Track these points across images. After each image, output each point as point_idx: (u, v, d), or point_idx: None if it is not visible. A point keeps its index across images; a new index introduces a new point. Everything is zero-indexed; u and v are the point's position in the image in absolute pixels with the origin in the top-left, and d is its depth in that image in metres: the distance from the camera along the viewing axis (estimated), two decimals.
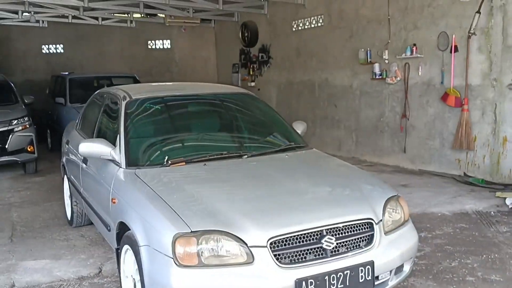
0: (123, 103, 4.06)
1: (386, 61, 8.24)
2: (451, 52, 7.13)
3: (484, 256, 4.30)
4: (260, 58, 11.71)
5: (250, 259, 2.65)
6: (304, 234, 2.77)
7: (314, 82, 10.03)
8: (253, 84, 11.96)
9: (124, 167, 3.54)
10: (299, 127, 4.43)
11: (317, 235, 2.79)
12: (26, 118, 8.49)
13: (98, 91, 5.18)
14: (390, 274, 3.04)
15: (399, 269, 3.12)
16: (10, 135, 8.15)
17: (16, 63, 13.38)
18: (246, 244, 2.67)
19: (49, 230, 5.36)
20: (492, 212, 5.57)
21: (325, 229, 2.82)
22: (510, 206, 5.68)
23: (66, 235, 5.18)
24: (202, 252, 2.65)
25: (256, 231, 2.70)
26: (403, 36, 7.94)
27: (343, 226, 2.88)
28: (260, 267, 2.64)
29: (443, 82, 7.32)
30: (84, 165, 4.32)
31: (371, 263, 2.84)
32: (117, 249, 3.44)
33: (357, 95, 9.01)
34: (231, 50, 13.17)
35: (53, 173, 8.56)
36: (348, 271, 2.76)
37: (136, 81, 10.61)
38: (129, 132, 3.80)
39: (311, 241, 2.78)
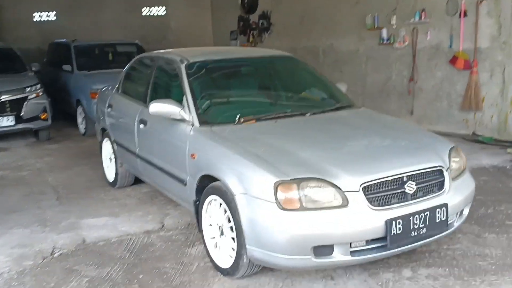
0: (183, 66, 4.23)
1: (394, 26, 8.52)
2: (460, 17, 7.44)
3: None
4: (260, 25, 11.84)
5: (345, 203, 2.94)
6: (389, 180, 3.07)
7: (318, 48, 10.27)
8: None
9: (198, 125, 3.76)
10: (343, 88, 4.69)
11: (399, 181, 3.10)
12: (38, 86, 8.51)
13: (140, 56, 5.32)
14: (455, 216, 3.39)
15: (461, 212, 3.48)
16: (25, 103, 8.19)
17: (7, 32, 13.15)
18: (340, 189, 2.95)
19: (93, 191, 5.54)
20: (507, 166, 6.00)
21: (406, 176, 3.13)
22: None
23: (113, 195, 5.38)
24: (302, 197, 2.92)
25: (349, 178, 2.99)
26: (411, 1, 8.21)
27: (419, 173, 3.19)
28: (354, 210, 2.94)
29: (452, 46, 7.66)
30: (142, 126, 4.50)
31: (446, 205, 3.17)
32: (196, 201, 3.68)
33: (363, 60, 9.29)
34: (228, 17, 13.23)
35: (66, 140, 8.71)
36: (428, 212, 3.09)
37: (139, 47, 10.62)
38: (195, 93, 3.99)
39: (395, 186, 3.08)
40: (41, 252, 3.96)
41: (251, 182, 3.08)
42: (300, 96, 4.50)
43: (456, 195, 3.31)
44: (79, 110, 9.28)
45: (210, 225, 3.55)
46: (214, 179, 3.41)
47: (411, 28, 8.25)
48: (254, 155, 3.20)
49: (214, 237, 3.53)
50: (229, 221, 3.30)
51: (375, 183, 3.02)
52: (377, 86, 9.11)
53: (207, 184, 3.52)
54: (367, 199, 2.98)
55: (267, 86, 4.52)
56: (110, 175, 5.66)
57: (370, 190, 3.01)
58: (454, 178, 3.39)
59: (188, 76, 4.14)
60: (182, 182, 3.85)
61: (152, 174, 4.49)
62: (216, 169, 3.37)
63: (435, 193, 3.22)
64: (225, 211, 3.31)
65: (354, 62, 9.49)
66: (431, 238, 3.19)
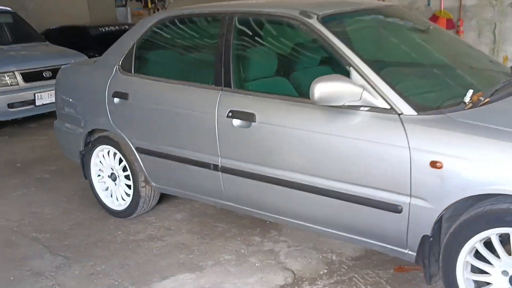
0: (314, 22, 2.66)
1: None
2: None
3: None
4: None
5: None
6: None
7: None
8: None
9: (415, 113, 2.30)
10: None
11: None
12: None
13: (168, 15, 3.36)
14: None
15: None
16: None
17: None
18: None
19: (96, 231, 3.55)
20: None
21: None
22: None
23: (140, 231, 3.50)
24: None
25: None
26: None
27: None
28: None
29: (430, 4, 7.03)
30: (239, 123, 2.80)
31: None
32: (429, 237, 2.27)
33: None
34: None
35: None
36: None
37: (16, 17, 7.99)
38: (369, 63, 2.49)
39: None
40: None
41: None
42: (467, 58, 3.20)
43: None
44: None
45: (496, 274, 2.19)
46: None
47: None
48: None
49: None
50: None
51: None
52: None
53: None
54: None
55: (423, 46, 3.12)
56: (117, 200, 3.72)
57: None
58: None
59: (339, 37, 2.59)
60: (391, 208, 2.35)
61: (271, 197, 2.81)
62: None
63: None
64: None
65: None
66: None
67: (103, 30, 8.54)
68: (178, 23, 3.38)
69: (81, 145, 3.82)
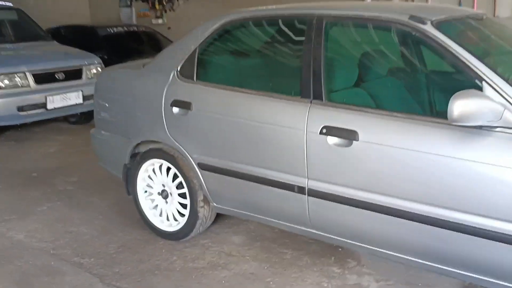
0: (428, 27, 2.36)
1: None
2: None
3: None
4: None
5: None
6: None
7: None
8: (160, 21, 9.70)
9: None
10: None
11: None
12: None
13: (237, 17, 2.98)
14: None
15: None
16: None
17: None
18: None
19: (148, 255, 3.16)
20: None
21: None
22: None
23: (204, 257, 3.11)
24: None
25: None
26: None
27: None
28: None
29: None
30: (335, 141, 2.45)
31: None
32: None
33: None
34: None
35: None
36: None
37: (21, 13, 7.53)
38: (503, 73, 2.19)
39: None
40: None
41: None
42: None
43: None
44: None
45: None
46: None
47: None
48: None
49: None
50: None
51: None
52: None
53: None
54: None
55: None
56: (167, 220, 3.34)
57: None
58: None
59: (463, 46, 2.28)
60: None
61: (374, 227, 2.47)
62: None
63: None
64: None
65: None
66: None
67: (112, 31, 8.08)
68: (250, 26, 3.03)
69: (126, 157, 3.42)
